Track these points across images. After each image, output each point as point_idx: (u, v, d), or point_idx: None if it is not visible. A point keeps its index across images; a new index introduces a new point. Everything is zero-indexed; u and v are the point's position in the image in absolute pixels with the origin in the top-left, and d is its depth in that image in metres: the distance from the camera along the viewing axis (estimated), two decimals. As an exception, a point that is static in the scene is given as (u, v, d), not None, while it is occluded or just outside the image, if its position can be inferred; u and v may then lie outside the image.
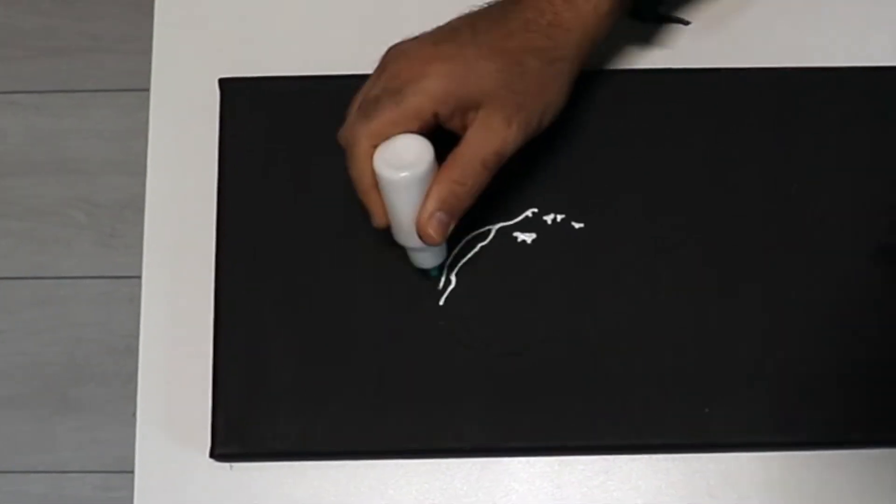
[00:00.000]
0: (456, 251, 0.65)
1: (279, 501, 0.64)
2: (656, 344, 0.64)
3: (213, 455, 0.63)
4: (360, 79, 0.68)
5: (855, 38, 0.69)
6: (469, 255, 0.65)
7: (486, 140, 0.57)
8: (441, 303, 0.65)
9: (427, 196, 0.57)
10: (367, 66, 0.68)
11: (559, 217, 0.66)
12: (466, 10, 0.60)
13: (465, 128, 0.58)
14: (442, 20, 0.71)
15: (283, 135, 0.67)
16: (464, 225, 0.61)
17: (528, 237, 0.65)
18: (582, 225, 0.65)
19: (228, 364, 0.64)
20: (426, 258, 0.62)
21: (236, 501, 0.64)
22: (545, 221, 0.65)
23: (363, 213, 0.59)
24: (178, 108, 0.70)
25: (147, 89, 0.70)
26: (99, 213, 1.45)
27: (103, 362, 1.41)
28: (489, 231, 0.66)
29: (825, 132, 0.66)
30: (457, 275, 0.65)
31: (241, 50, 0.71)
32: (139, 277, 0.67)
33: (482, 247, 0.65)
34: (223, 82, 0.68)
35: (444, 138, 0.58)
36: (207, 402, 0.64)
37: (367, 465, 0.64)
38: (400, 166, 0.56)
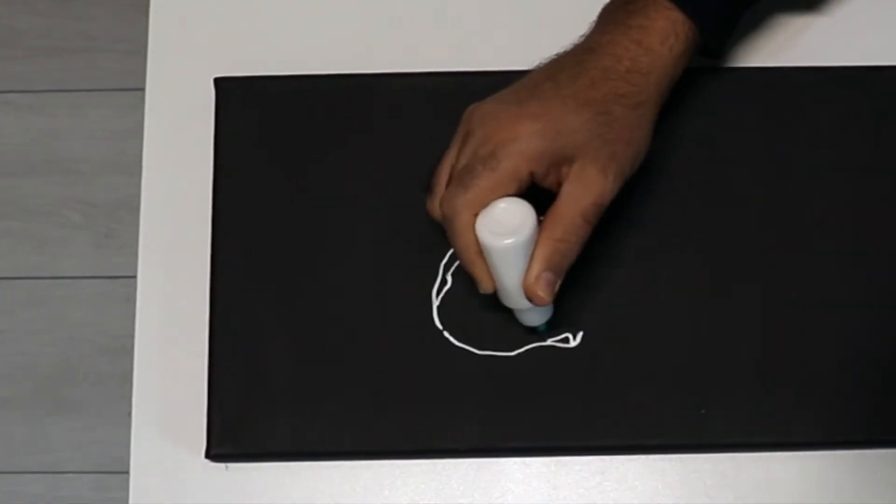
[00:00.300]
0: (452, 251, 0.65)
1: (275, 502, 0.64)
2: (654, 344, 0.63)
3: (208, 455, 0.63)
4: (357, 79, 0.68)
5: (855, 38, 0.69)
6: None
7: (584, 193, 0.57)
8: (437, 303, 0.64)
9: (532, 258, 0.56)
10: (362, 65, 0.68)
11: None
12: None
13: (559, 184, 0.57)
14: (439, 19, 0.71)
15: (278, 134, 0.67)
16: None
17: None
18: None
19: (224, 364, 0.64)
20: (534, 317, 0.61)
21: (232, 502, 0.64)
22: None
23: (470, 280, 0.59)
24: (173, 107, 0.70)
25: (143, 89, 0.70)
26: (95, 213, 1.44)
27: (99, 362, 1.40)
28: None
29: (824, 132, 0.66)
30: (452, 275, 0.65)
31: (236, 49, 0.71)
32: (135, 277, 0.67)
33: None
34: (218, 82, 0.68)
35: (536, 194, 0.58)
36: (203, 403, 0.63)
37: (362, 465, 0.64)
38: (504, 233, 0.55)
